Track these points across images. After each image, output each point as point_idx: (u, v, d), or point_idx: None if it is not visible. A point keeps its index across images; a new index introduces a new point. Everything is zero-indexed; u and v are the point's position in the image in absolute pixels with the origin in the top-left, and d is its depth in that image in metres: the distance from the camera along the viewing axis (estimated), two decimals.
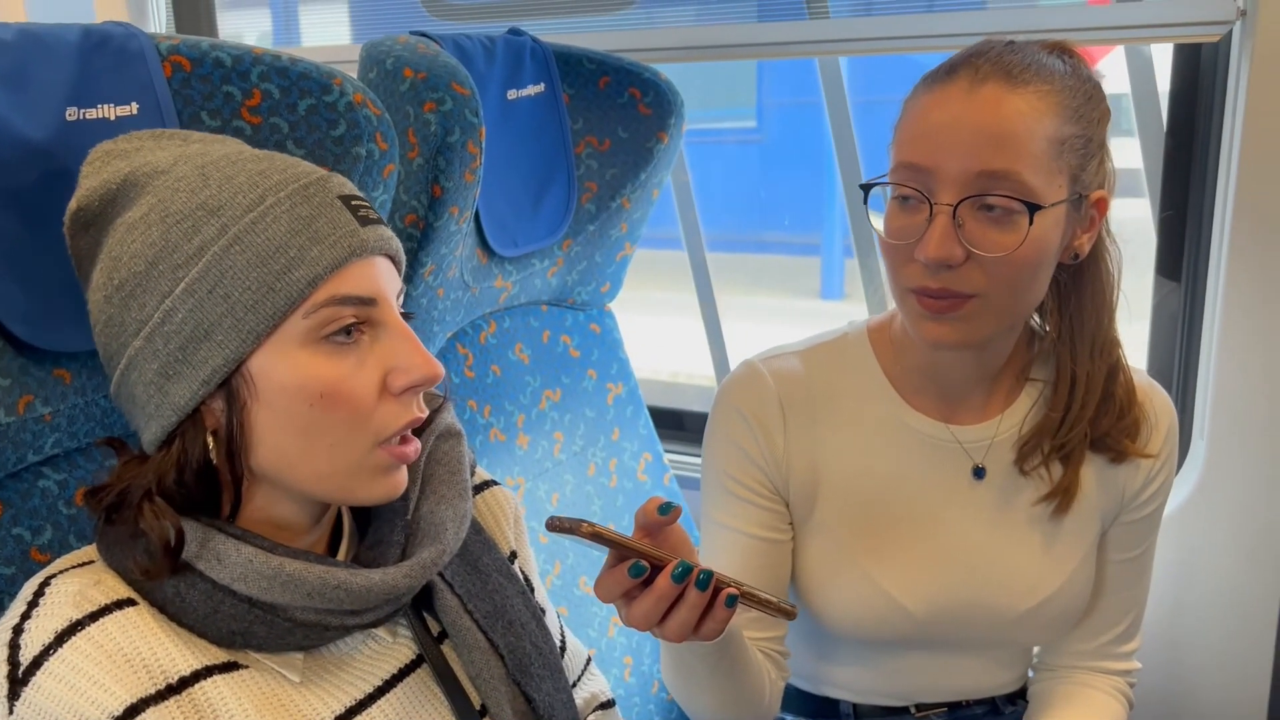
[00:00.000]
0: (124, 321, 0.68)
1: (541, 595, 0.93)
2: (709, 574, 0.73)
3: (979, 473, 1.02)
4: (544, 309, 1.35)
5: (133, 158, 0.71)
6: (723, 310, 1.90)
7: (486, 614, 0.81)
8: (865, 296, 1.78)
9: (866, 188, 0.93)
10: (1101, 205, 0.92)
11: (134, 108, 0.82)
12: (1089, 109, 0.89)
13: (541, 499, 1.28)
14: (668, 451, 1.61)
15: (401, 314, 0.73)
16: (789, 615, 0.76)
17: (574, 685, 0.95)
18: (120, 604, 0.67)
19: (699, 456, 1.69)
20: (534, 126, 1.24)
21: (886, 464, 1.02)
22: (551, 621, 0.93)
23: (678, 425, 1.68)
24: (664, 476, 1.45)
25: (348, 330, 0.68)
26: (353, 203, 0.70)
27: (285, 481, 0.71)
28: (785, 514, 1.05)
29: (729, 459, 1.04)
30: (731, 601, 0.74)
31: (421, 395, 0.73)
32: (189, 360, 0.67)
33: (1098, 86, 0.91)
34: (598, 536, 0.71)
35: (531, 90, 1.24)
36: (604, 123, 1.30)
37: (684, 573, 0.72)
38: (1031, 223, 0.85)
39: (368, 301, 0.69)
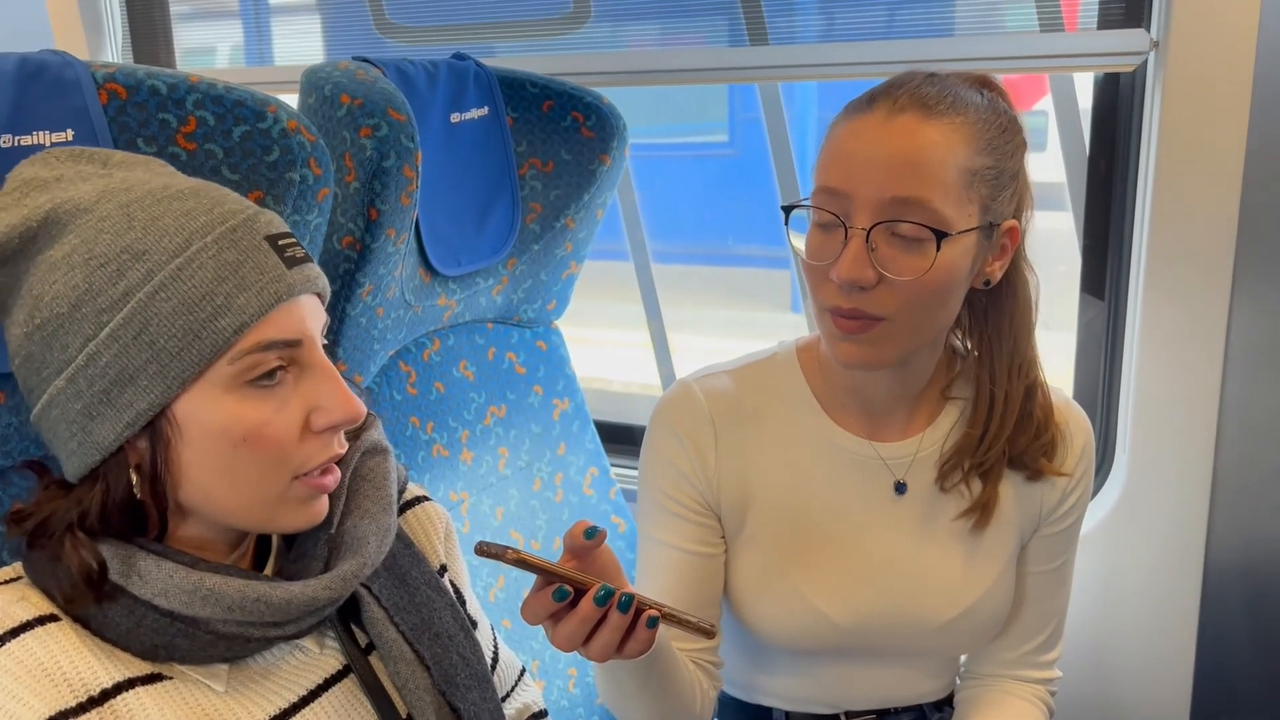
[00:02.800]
0: (45, 360, 0.69)
1: (474, 608, 0.95)
2: (630, 597, 0.76)
3: (900, 488, 1.05)
4: (489, 326, 1.38)
5: (53, 190, 0.72)
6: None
7: (413, 626, 0.83)
8: (806, 312, 1.81)
9: (788, 210, 0.97)
10: (1014, 234, 0.96)
11: (69, 134, 0.84)
12: (1003, 141, 0.93)
13: (486, 513, 1.31)
14: (616, 465, 1.64)
15: (323, 345, 0.76)
16: (709, 635, 0.79)
17: (506, 697, 0.97)
18: (42, 620, 0.69)
19: None
20: (478, 149, 1.27)
21: (813, 479, 1.06)
22: (484, 634, 0.96)
23: (628, 440, 1.71)
24: (610, 490, 1.48)
25: (271, 373, 0.70)
26: (280, 243, 0.72)
27: (208, 514, 0.73)
28: (718, 529, 1.08)
29: (664, 476, 1.07)
30: (653, 623, 0.77)
31: (343, 433, 0.76)
32: (112, 403, 0.68)
33: (1014, 120, 0.95)
34: (522, 563, 0.74)
35: (475, 113, 1.27)
36: (547, 145, 1.34)
37: (606, 596, 0.75)
38: (939, 249, 0.89)
39: (293, 344, 0.71)
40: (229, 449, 0.70)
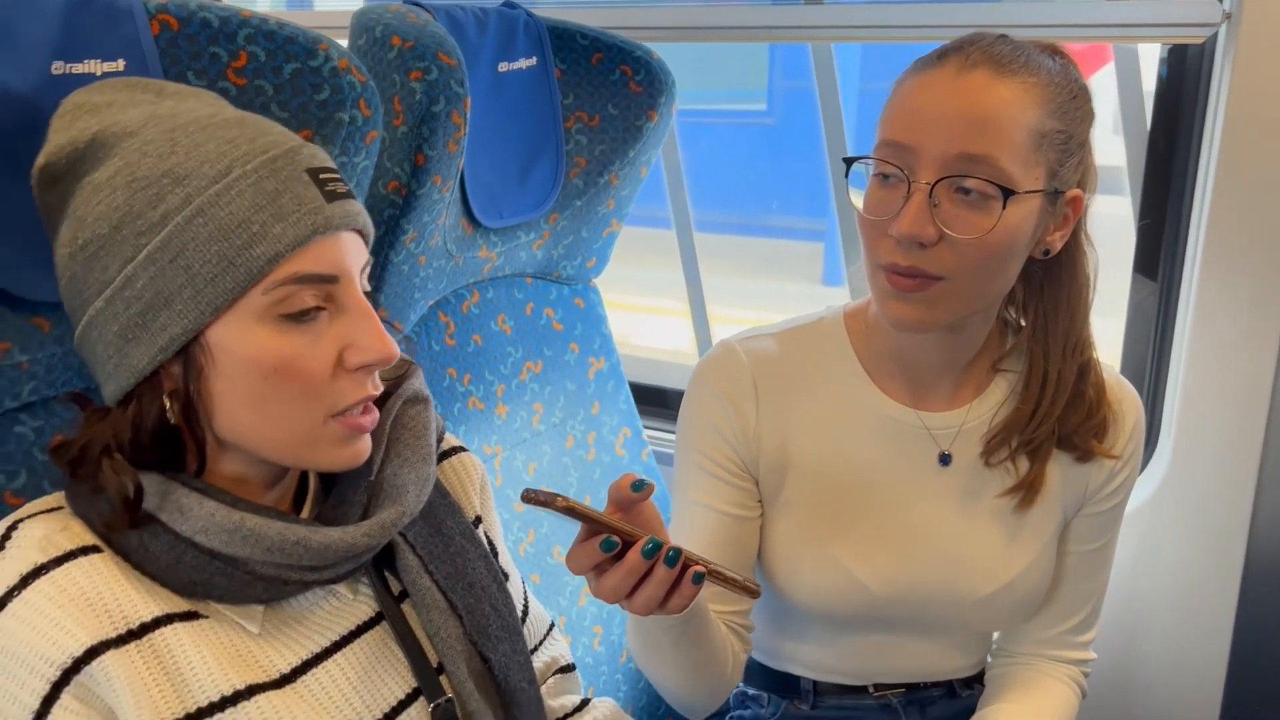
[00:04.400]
0: (86, 281, 0.69)
1: (506, 560, 0.95)
2: (677, 551, 0.75)
3: (945, 459, 1.04)
4: (528, 281, 1.36)
5: (103, 114, 0.72)
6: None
7: (447, 575, 0.83)
8: (848, 281, 1.79)
9: (849, 161, 0.95)
10: (1077, 204, 0.93)
11: (120, 64, 0.83)
12: (1073, 107, 0.90)
13: (518, 469, 1.30)
14: (648, 428, 1.63)
15: (365, 290, 0.75)
16: (753, 594, 0.78)
17: (535, 649, 0.97)
18: (85, 550, 0.69)
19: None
20: (524, 100, 1.26)
21: (854, 446, 1.04)
22: (515, 587, 0.95)
23: (660, 402, 1.70)
24: (642, 452, 1.47)
25: (307, 310, 0.70)
26: (321, 176, 0.71)
27: (245, 447, 0.73)
28: (754, 491, 1.06)
29: (702, 437, 1.06)
30: (698, 579, 0.76)
31: (377, 373, 0.75)
32: (147, 326, 0.68)
33: (1084, 88, 0.93)
34: (571, 511, 0.73)
35: (523, 64, 1.25)
36: (595, 99, 1.31)
37: (653, 549, 0.74)
38: (1005, 207, 0.87)
39: (328, 279, 0.70)
40: (259, 380, 0.69)
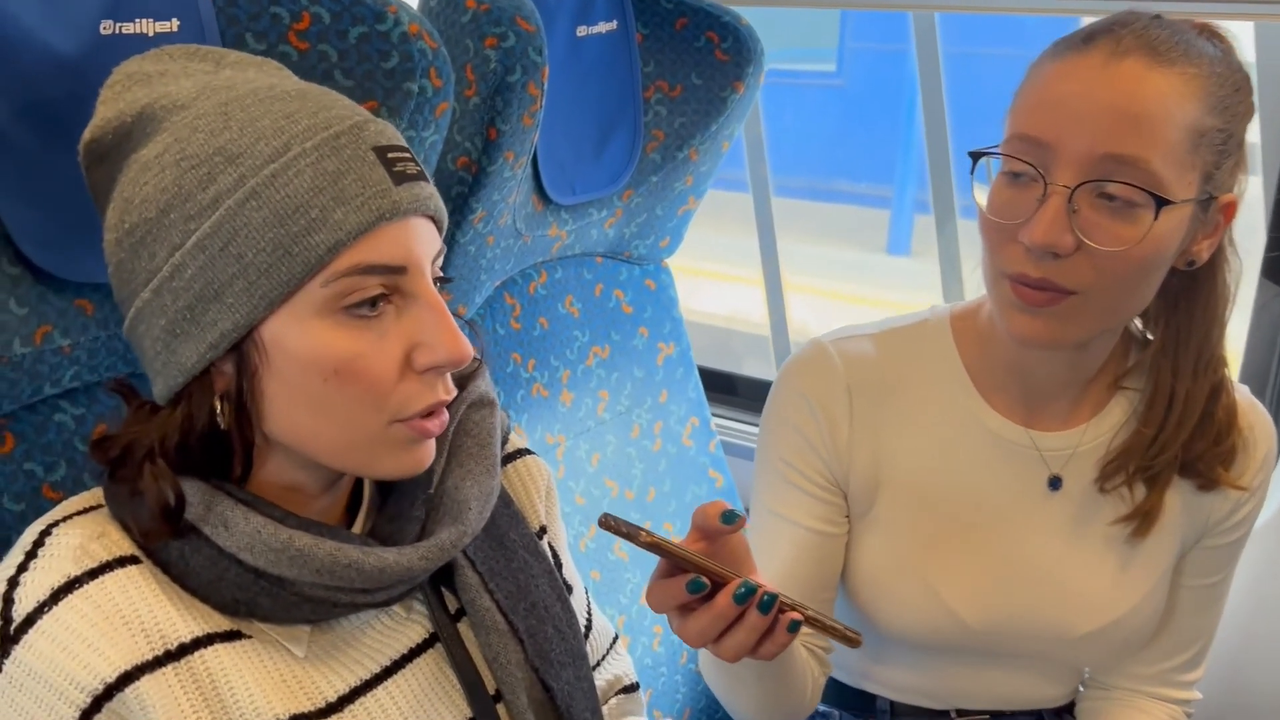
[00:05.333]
0: (134, 269, 0.63)
1: (570, 571, 0.88)
2: (773, 597, 0.68)
3: (1055, 483, 0.95)
4: (598, 261, 1.28)
5: (154, 85, 0.65)
6: (785, 260, 1.83)
7: (508, 594, 0.76)
8: (939, 258, 1.68)
9: (976, 155, 0.85)
10: (1230, 210, 0.83)
11: (174, 24, 0.76)
12: (1235, 101, 0.80)
13: (581, 459, 1.23)
14: (716, 416, 1.55)
15: (438, 279, 0.67)
16: (853, 644, 0.71)
17: (597, 666, 0.91)
18: (122, 561, 0.63)
19: (749, 424, 1.64)
20: (602, 67, 1.17)
21: (957, 464, 0.96)
22: (578, 600, 0.89)
23: (729, 389, 1.62)
24: (710, 443, 1.39)
25: (371, 302, 0.63)
26: (389, 155, 0.64)
27: (299, 450, 0.66)
28: (843, 506, 0.99)
29: (788, 444, 0.98)
30: (794, 627, 0.69)
31: (449, 375, 0.68)
32: (197, 321, 0.62)
33: (1247, 79, 0.82)
34: (656, 548, 0.66)
35: (603, 27, 1.16)
36: (677, 67, 1.22)
37: (747, 594, 0.68)
38: (1156, 218, 0.77)
39: (396, 270, 0.63)
40: (319, 381, 0.63)
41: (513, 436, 0.87)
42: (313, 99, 0.64)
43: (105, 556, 0.63)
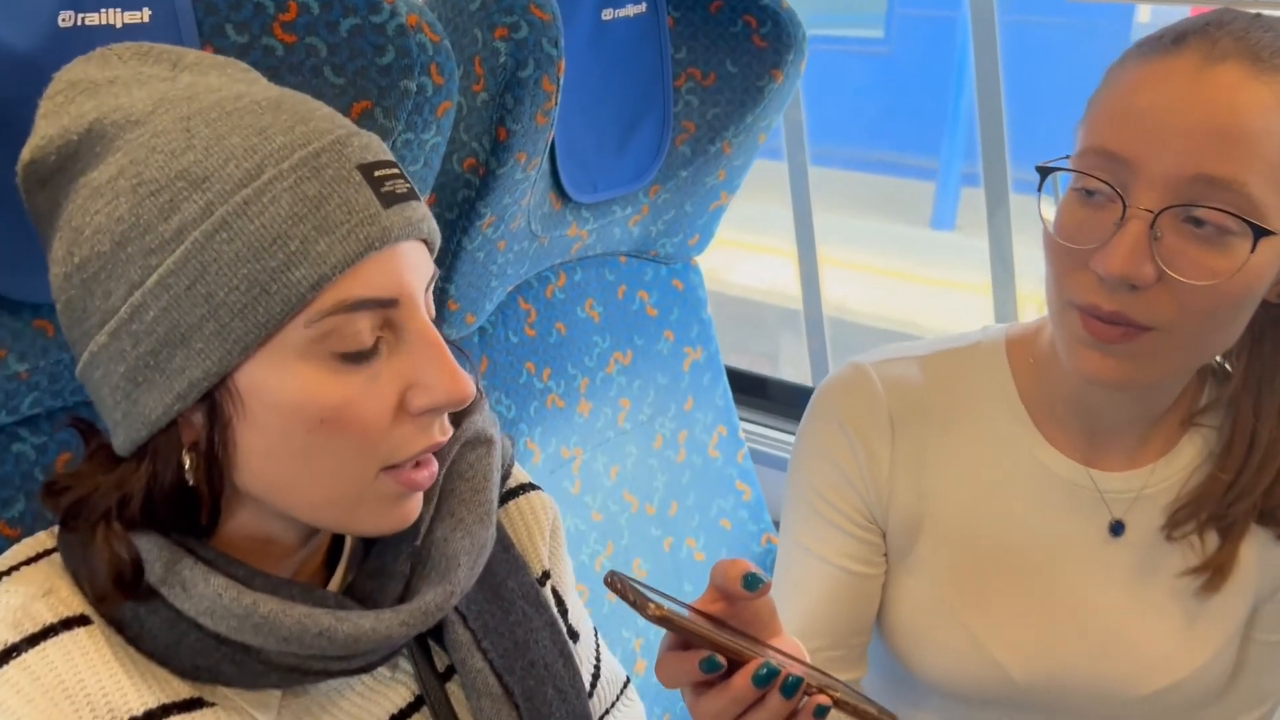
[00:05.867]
0: (86, 309, 0.56)
1: (576, 616, 0.81)
2: (798, 680, 0.60)
3: (1117, 529, 0.86)
4: (622, 261, 1.20)
5: (103, 96, 0.57)
6: (823, 232, 1.73)
7: (504, 652, 0.69)
8: (989, 238, 1.56)
9: (1045, 170, 0.76)
10: None
11: (145, 14, 0.68)
12: None
13: (599, 472, 1.16)
14: (745, 422, 1.47)
15: (430, 314, 0.60)
16: None
17: (604, 715, 0.84)
18: (69, 623, 0.57)
19: (781, 430, 1.56)
20: (629, 53, 1.08)
21: (1008, 504, 0.87)
22: (585, 645, 0.81)
23: (759, 392, 1.53)
24: (738, 453, 1.31)
25: (363, 349, 0.56)
26: (376, 174, 0.56)
27: (274, 505, 0.59)
28: (880, 545, 0.90)
29: (822, 476, 0.90)
30: (822, 712, 0.61)
31: (446, 415, 0.60)
32: (161, 368, 0.55)
33: None
34: (665, 622, 0.58)
35: (630, 10, 1.07)
36: (711, 53, 1.13)
37: (769, 676, 0.60)
38: (1254, 250, 0.67)
39: (387, 303, 0.56)
40: (302, 433, 0.56)
41: (516, 470, 0.79)
42: (288, 110, 0.56)
43: (50, 619, 0.56)
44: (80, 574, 0.58)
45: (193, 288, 0.53)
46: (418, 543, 0.65)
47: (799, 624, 0.92)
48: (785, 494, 0.95)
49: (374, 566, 0.65)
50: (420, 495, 0.62)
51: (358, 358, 0.56)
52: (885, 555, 0.91)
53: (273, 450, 0.56)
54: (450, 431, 0.61)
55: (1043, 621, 0.87)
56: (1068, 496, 0.86)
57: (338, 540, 0.68)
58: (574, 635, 0.80)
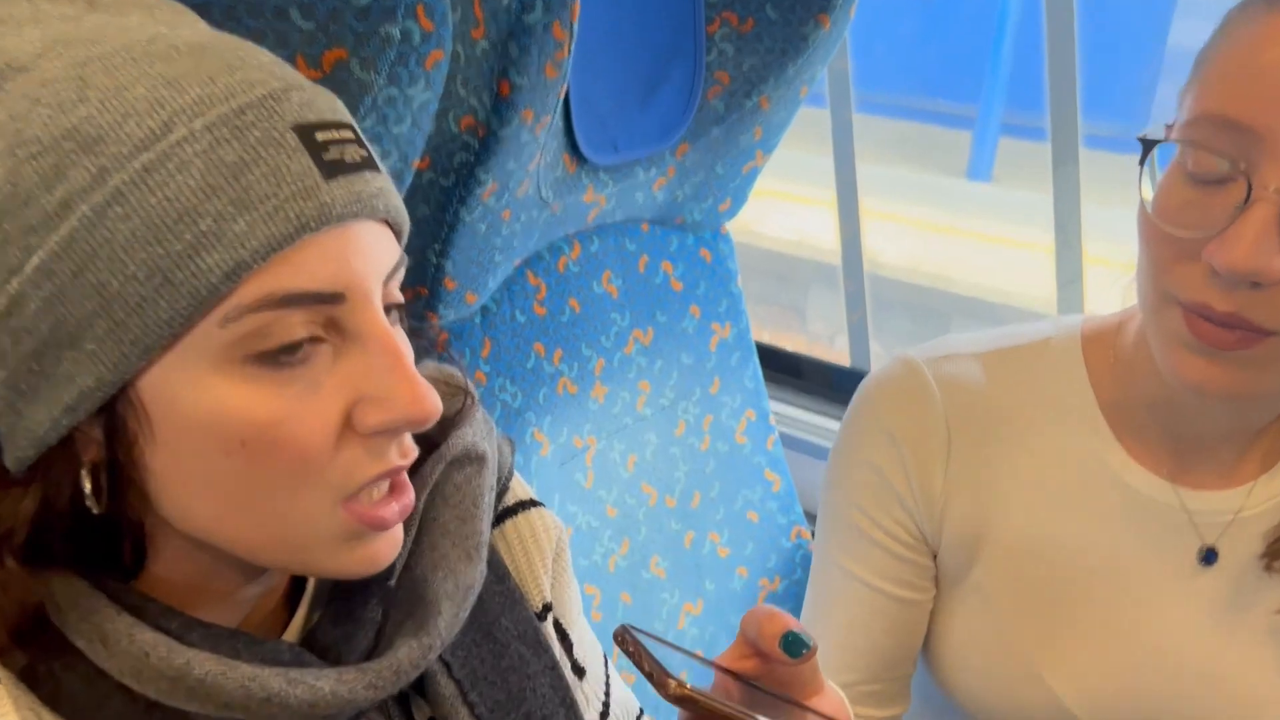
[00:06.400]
0: None
1: (583, 650, 0.70)
2: None
3: (1209, 557, 0.74)
4: (644, 229, 1.08)
5: None
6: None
7: (495, 704, 0.59)
8: (1055, 197, 1.42)
9: (1149, 143, 0.63)
10: None
11: None
12: None
13: (615, 462, 1.05)
14: (776, 402, 1.36)
15: (394, 306, 0.49)
16: None
17: None
18: None
19: (817, 413, 1.44)
20: None
21: (1080, 526, 0.76)
22: (593, 679, 0.71)
23: (792, 370, 1.41)
24: (768, 439, 1.20)
25: (292, 347, 0.44)
26: (319, 136, 0.45)
27: (209, 543, 0.49)
28: (929, 568, 0.80)
29: (864, 487, 0.79)
30: None
31: (408, 435, 0.50)
32: (47, 374, 0.44)
33: None
34: (688, 702, 0.48)
35: None
36: None
37: None
38: None
39: (328, 299, 0.45)
40: (220, 456, 0.45)
41: (516, 482, 0.68)
42: (214, 57, 0.45)
43: None
44: None
45: (81, 275, 0.42)
46: (391, 582, 0.55)
47: (834, 654, 0.81)
48: (822, 500, 0.85)
49: (339, 610, 0.54)
50: (394, 533, 0.51)
51: (289, 362, 0.45)
52: (935, 579, 0.80)
53: (190, 477, 0.46)
54: (412, 453, 0.50)
55: (1116, 658, 0.76)
56: (1151, 518, 0.74)
57: (297, 583, 0.58)
58: (579, 671, 0.69)
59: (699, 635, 1.13)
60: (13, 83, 0.44)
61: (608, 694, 0.73)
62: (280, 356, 0.44)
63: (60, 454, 0.46)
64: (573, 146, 0.91)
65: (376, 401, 0.46)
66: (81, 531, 0.47)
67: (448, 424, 0.59)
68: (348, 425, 0.46)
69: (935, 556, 0.79)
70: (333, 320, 0.46)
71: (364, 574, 0.50)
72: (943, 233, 5.08)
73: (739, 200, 1.14)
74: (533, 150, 0.81)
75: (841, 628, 0.81)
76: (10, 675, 0.47)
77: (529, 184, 0.85)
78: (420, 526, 0.57)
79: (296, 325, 0.44)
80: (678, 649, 0.54)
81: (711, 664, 0.54)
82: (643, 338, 1.07)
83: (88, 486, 0.46)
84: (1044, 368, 0.77)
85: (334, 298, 0.45)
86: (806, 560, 1.23)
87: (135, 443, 0.45)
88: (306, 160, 0.44)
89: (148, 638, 0.47)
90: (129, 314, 0.42)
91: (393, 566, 0.55)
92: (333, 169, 0.45)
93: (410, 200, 0.78)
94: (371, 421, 0.46)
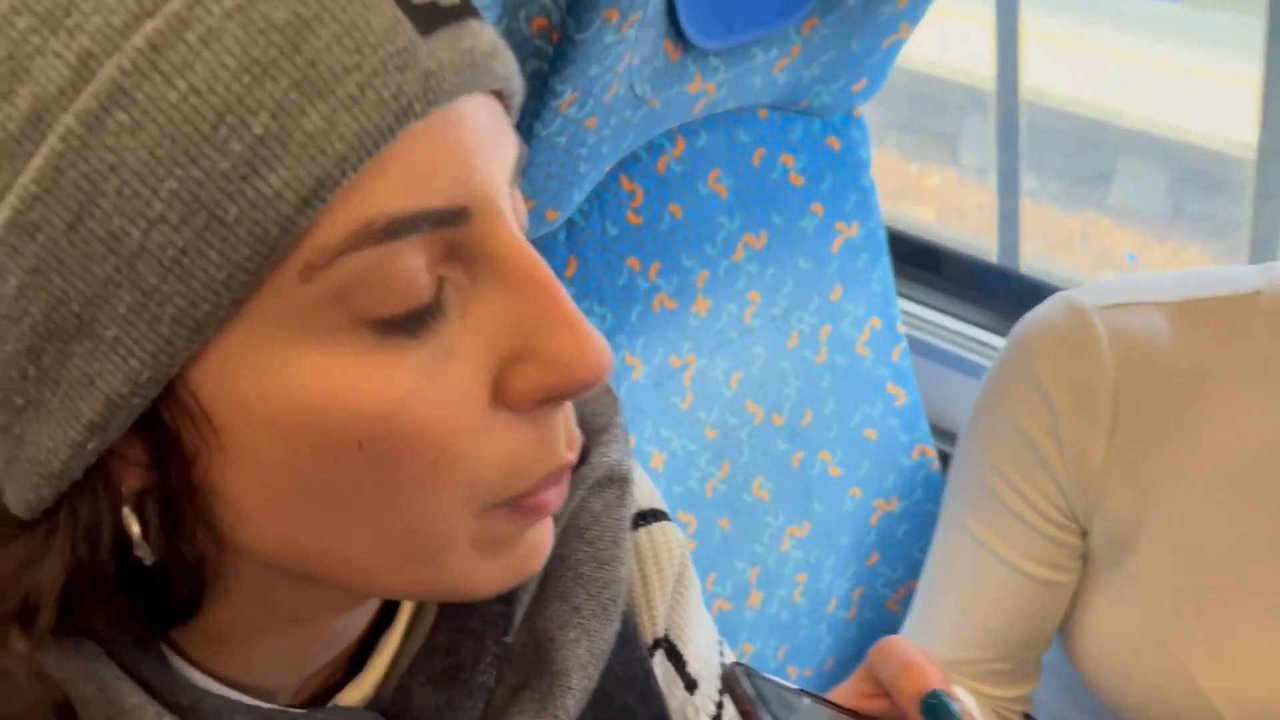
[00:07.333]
0: None
1: (696, 663, 0.59)
2: None
3: None
4: (762, 115, 0.94)
5: None
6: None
7: None
8: (1269, 14, 1.19)
9: None
10: None
11: None
12: None
13: (717, 380, 0.95)
14: (905, 298, 1.22)
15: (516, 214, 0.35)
16: None
17: None
18: None
19: (955, 318, 1.27)
20: None
21: (1271, 520, 0.63)
22: (705, 690, 0.60)
23: (928, 264, 1.25)
24: (894, 349, 1.08)
25: (424, 311, 0.31)
26: None
27: (304, 574, 0.36)
28: (1076, 546, 0.70)
29: (1009, 451, 0.69)
30: None
31: (571, 411, 0.36)
32: (52, 379, 0.31)
33: None
34: None
35: None
36: None
37: None
38: None
39: (449, 216, 0.31)
40: (327, 464, 0.32)
41: (639, 484, 0.52)
42: None
43: None
44: None
45: (80, 225, 0.29)
46: (508, 638, 0.42)
47: (959, 628, 0.73)
48: (958, 451, 0.75)
49: (441, 667, 0.42)
50: (545, 528, 0.38)
51: (412, 322, 0.31)
52: (1082, 557, 0.70)
53: (283, 498, 0.33)
54: (578, 441, 0.37)
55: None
56: None
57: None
58: (691, 686, 0.59)
59: (802, 558, 1.05)
60: None
61: (721, 700, 0.64)
62: (411, 324, 0.31)
63: (85, 493, 0.32)
64: (675, 31, 0.77)
65: (531, 361, 0.33)
66: (112, 594, 0.34)
67: (586, 431, 0.44)
68: (497, 397, 0.33)
69: (1085, 535, 0.69)
70: (454, 247, 0.32)
71: (518, 581, 0.38)
72: (1116, 57, 4.59)
73: (877, 79, 0.98)
74: (620, 51, 0.68)
75: (969, 602, 0.72)
76: None
77: (618, 85, 0.72)
78: (548, 566, 0.42)
79: (418, 270, 0.30)
80: (793, 689, 0.45)
81: (829, 704, 0.46)
82: (754, 242, 0.95)
83: (135, 529, 0.33)
84: (1247, 328, 0.64)
85: (456, 215, 0.31)
86: (929, 481, 1.13)
87: (196, 461, 0.32)
88: (391, 7, 0.30)
89: None
90: (162, 277, 0.29)
91: (510, 618, 0.42)
92: (429, 18, 0.30)
93: None
94: (529, 386, 0.33)
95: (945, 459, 1.16)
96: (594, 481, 0.45)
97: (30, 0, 0.29)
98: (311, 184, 0.28)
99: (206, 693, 0.36)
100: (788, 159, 0.96)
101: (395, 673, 0.42)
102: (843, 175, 1.00)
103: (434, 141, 0.31)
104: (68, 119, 0.28)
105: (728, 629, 1.00)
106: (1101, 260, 2.67)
